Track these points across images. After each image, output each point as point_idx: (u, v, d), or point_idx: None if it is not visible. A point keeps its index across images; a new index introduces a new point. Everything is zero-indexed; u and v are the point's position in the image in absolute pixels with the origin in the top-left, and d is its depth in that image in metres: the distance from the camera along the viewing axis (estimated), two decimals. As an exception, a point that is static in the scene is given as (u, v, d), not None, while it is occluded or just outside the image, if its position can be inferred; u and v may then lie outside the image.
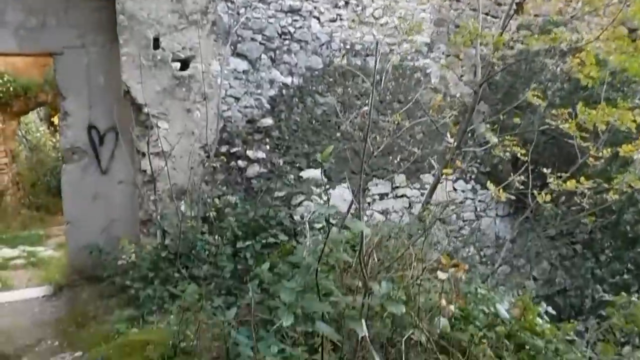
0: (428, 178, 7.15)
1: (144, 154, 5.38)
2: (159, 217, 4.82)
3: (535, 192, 4.89)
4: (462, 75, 7.39)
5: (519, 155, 4.99)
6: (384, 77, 6.47)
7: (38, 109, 16.06)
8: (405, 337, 1.94)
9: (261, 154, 5.96)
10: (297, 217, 4.99)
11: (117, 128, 5.75)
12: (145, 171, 5.34)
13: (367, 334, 1.86)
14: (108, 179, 5.80)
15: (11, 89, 12.98)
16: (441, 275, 1.96)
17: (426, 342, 1.94)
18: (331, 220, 4.80)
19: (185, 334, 3.30)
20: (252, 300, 2.86)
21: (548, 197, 4.77)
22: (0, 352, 4.02)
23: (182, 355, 3.15)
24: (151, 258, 4.70)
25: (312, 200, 5.47)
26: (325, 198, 5.65)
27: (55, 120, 17.67)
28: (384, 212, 6.91)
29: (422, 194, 7.05)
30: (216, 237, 4.89)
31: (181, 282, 4.42)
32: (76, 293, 5.43)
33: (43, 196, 15.05)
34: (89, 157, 5.73)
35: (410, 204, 7.12)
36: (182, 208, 4.91)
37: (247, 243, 4.57)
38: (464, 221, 7.39)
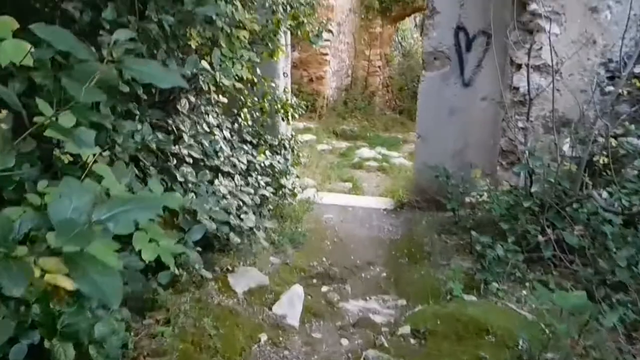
0: None
1: (519, 66, 4.14)
2: (526, 152, 3.60)
3: None
4: None
5: None
6: None
7: (414, 15, 16.14)
8: None
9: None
10: None
11: (489, 31, 4.61)
12: (517, 89, 4.11)
13: None
14: (469, 93, 4.81)
15: (392, -6, 13.10)
16: None
17: None
18: None
19: (543, 341, 2.18)
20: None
21: None
22: (326, 269, 3.71)
23: (535, 382, 2.05)
24: (507, 203, 3.59)
25: None
26: None
27: (429, 26, 17.63)
28: None
29: None
30: (603, 193, 3.41)
31: (544, 247, 3.21)
32: (415, 217, 4.85)
33: (407, 101, 15.48)
34: (452, 65, 4.80)
35: None
36: (562, 146, 3.54)
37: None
38: None
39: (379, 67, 14.15)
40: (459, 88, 4.83)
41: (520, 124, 4.12)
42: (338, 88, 12.26)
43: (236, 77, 3.48)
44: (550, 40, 3.54)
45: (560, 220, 3.40)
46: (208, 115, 3.37)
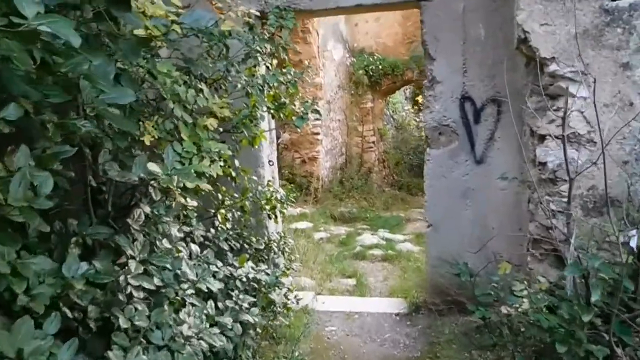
0: None
1: (542, 138, 3.50)
2: (572, 243, 2.85)
3: None
4: None
5: None
6: None
7: (403, 88, 16.01)
8: None
9: None
10: None
11: (500, 99, 4.03)
12: (544, 164, 3.45)
13: None
14: (484, 171, 4.15)
15: (380, 67, 12.90)
16: None
17: None
18: None
19: None
20: None
21: None
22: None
23: None
24: (553, 311, 2.81)
25: None
26: None
27: (420, 99, 17.50)
28: None
29: None
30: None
31: (620, 377, 2.40)
32: (435, 324, 4.02)
33: (405, 175, 14.95)
34: (460, 140, 4.18)
35: None
36: (629, 238, 2.79)
37: None
38: None
39: (373, 142, 13.72)
40: (471, 166, 4.18)
41: (552, 206, 3.42)
42: (332, 167, 11.69)
43: (206, 176, 2.80)
44: (595, 105, 2.88)
45: (628, 334, 2.61)
46: (169, 226, 2.65)
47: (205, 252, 2.94)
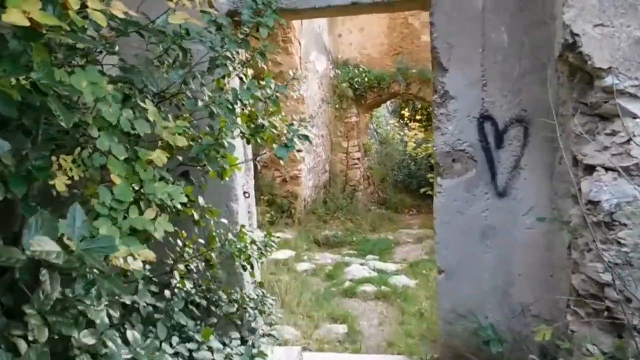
0: None
1: (590, 168, 2.75)
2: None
3: None
4: None
5: None
6: None
7: (388, 102, 15.38)
8: None
9: None
10: None
11: (527, 119, 3.29)
12: (595, 203, 2.69)
13: None
14: (507, 207, 3.38)
15: (366, 80, 12.23)
16: None
17: None
18: None
19: None
20: None
21: None
22: None
23: None
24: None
25: None
26: None
27: (406, 112, 16.87)
28: None
29: None
30: None
31: None
32: (452, 398, 3.23)
33: (390, 192, 14.24)
34: (478, 168, 3.41)
35: None
36: None
37: None
38: None
39: (358, 158, 12.98)
40: (492, 200, 3.41)
41: (606, 257, 2.66)
42: (315, 186, 10.89)
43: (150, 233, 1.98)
44: (628, 130, 2.14)
45: None
46: (90, 311, 1.80)
47: (148, 341, 2.09)
